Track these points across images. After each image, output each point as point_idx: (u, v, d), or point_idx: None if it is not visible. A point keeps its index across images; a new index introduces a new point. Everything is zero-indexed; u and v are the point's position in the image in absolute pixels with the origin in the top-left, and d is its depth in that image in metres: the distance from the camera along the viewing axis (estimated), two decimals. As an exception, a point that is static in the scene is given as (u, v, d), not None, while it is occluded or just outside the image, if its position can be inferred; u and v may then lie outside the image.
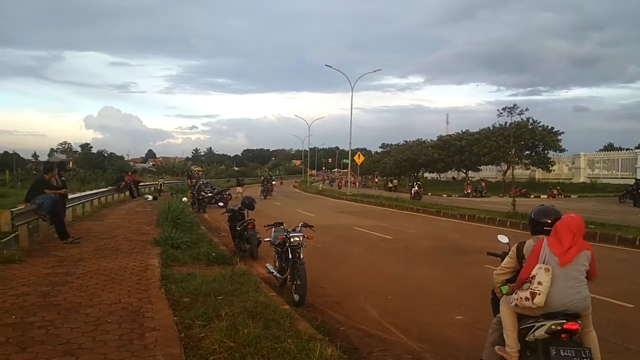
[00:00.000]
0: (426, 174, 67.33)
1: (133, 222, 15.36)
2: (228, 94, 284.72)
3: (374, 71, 52.58)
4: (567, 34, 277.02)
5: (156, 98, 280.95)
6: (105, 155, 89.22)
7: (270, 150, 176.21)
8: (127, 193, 27.23)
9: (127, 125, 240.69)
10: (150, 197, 27.06)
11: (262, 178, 43.34)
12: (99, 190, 23.08)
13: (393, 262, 10.93)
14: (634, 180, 31.06)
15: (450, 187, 50.31)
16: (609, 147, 66.45)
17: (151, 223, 14.83)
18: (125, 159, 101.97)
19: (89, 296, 6.26)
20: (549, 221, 4.17)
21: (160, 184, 36.25)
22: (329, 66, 43.47)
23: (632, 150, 45.52)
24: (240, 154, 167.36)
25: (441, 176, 63.67)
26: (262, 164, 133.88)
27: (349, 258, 11.40)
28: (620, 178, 39.92)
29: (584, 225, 4.07)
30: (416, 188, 36.04)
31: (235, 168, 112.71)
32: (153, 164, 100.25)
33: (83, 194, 18.85)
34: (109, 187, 25.74)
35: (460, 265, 10.38)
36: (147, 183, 38.19)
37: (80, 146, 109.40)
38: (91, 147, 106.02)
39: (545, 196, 36.28)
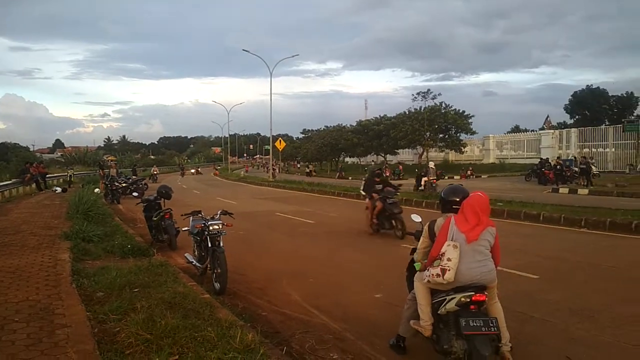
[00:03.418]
0: (347, 159, 68.41)
1: (40, 216, 14.44)
2: (141, 79, 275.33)
3: (292, 56, 53.26)
4: (476, 22, 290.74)
5: (63, 84, 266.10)
6: (9, 146, 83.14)
7: (189, 137, 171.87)
8: (34, 185, 25.58)
9: (31, 113, 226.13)
10: (59, 190, 25.53)
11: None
12: (2, 184, 21.54)
13: (315, 246, 11.05)
14: (538, 160, 33.32)
15: (370, 171, 51.44)
16: (516, 129, 70.48)
17: (60, 216, 14.03)
18: (31, 149, 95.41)
19: (-7, 295, 5.85)
20: (457, 199, 4.40)
21: (70, 175, 34.28)
22: (246, 51, 42.82)
23: (536, 131, 48.59)
24: (156, 142, 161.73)
25: (361, 160, 64.93)
26: (180, 152, 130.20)
27: (271, 244, 11.39)
28: (526, 158, 42.54)
29: (488, 204, 4.31)
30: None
31: (152, 156, 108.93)
32: (62, 154, 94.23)
33: (-18, 187, 17.50)
34: (13, 180, 24.08)
35: (379, 246, 10.67)
36: (56, 174, 36.03)
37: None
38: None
39: (459, 177, 38.05)
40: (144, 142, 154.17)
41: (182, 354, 4.16)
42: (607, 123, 51.48)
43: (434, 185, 23.66)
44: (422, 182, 24.60)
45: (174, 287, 6.24)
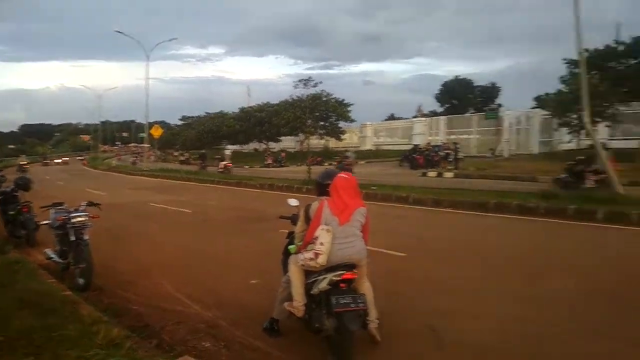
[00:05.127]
0: (229, 146, 67.30)
1: None
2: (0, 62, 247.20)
3: (170, 40, 50.30)
4: (358, 11, 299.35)
5: None
6: None
7: (54, 124, 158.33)
8: None
9: None
10: None
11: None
12: None
13: (192, 235, 10.75)
14: (411, 146, 35.34)
15: (253, 158, 51.16)
16: (391, 117, 73.95)
17: None
18: None
19: None
20: (331, 182, 4.49)
21: None
22: (119, 32, 40.20)
23: (409, 119, 51.35)
24: (16, 130, 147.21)
25: (243, 147, 64.27)
26: (44, 141, 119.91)
27: (143, 235, 10.89)
28: (400, 144, 44.80)
29: (354, 184, 4.46)
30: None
31: (11, 146, 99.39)
32: None
33: None
34: None
35: (258, 232, 10.64)
36: None
37: None
38: None
39: (335, 163, 39.06)
40: (1, 131, 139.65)
41: (37, 354, 3.85)
42: (472, 111, 55.83)
43: (228, 168, 30.99)
44: (221, 166, 31.35)
45: (31, 286, 5.72)
